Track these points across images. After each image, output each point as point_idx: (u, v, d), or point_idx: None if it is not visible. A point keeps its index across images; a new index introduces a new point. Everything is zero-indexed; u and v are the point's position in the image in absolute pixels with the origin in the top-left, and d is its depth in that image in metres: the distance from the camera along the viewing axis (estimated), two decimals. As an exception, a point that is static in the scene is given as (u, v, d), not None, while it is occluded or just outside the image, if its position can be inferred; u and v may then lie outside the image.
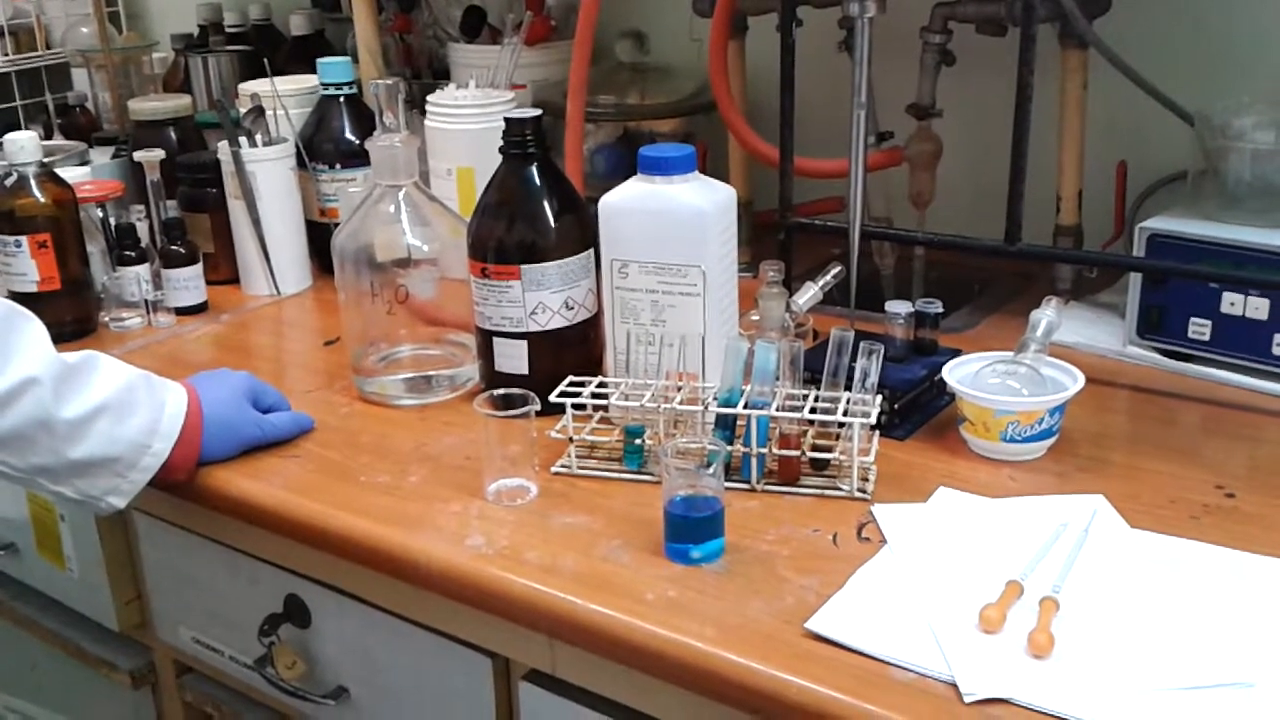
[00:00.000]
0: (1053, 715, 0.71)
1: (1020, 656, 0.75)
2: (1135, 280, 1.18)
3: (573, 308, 1.10)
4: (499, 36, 1.61)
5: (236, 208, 1.46)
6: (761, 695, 0.76)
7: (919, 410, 1.08)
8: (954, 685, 0.73)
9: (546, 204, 1.09)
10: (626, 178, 1.07)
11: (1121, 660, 0.75)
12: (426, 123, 1.41)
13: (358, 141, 1.48)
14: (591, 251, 1.10)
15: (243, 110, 1.48)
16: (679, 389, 1.00)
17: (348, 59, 1.53)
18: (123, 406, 0.98)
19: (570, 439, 1.02)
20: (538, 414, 0.98)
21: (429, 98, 1.42)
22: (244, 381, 1.10)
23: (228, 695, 1.23)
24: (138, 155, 1.51)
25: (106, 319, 1.42)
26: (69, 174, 1.45)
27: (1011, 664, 0.75)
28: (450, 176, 1.40)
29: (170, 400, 1.02)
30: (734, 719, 0.80)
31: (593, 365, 1.12)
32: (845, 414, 0.95)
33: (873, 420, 0.95)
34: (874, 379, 0.96)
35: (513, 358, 1.11)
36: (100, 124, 2.00)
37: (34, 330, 0.97)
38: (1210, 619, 0.79)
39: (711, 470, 0.88)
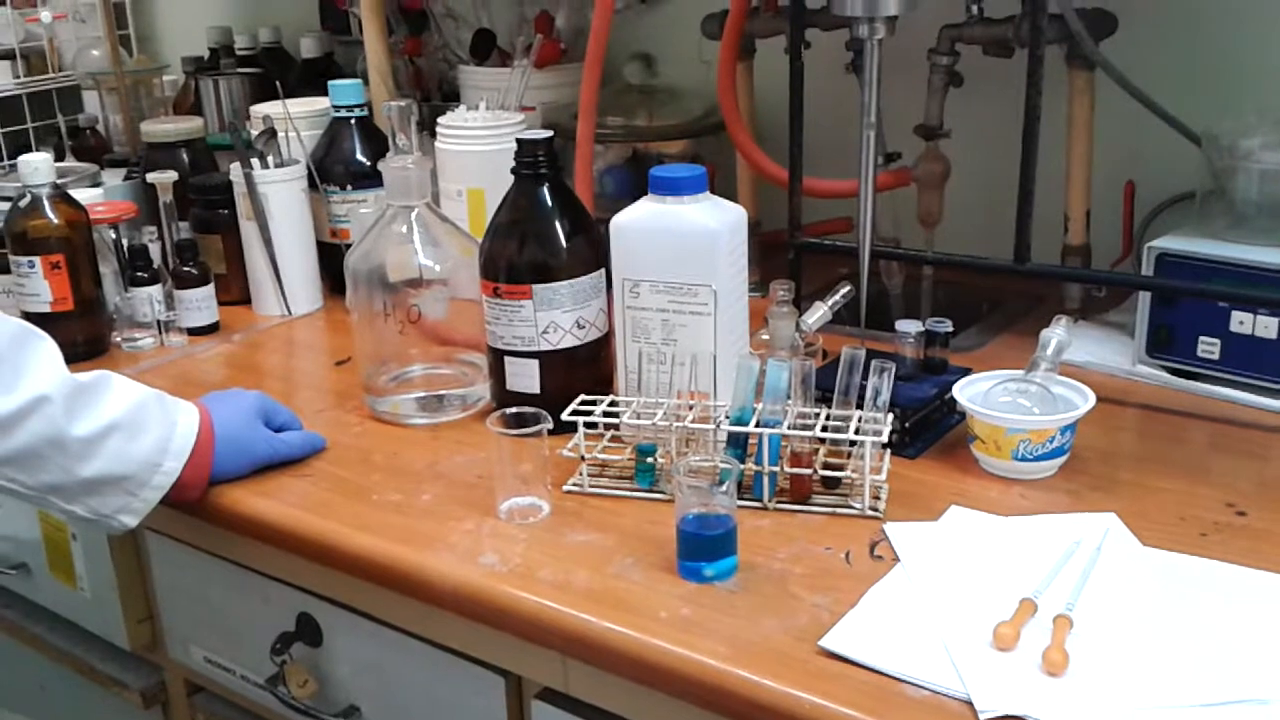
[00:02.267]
0: (1068, 732, 0.71)
1: (1035, 674, 0.75)
2: (1144, 299, 1.19)
3: (584, 327, 1.11)
4: (508, 59, 1.62)
5: (248, 229, 1.47)
6: (775, 713, 0.76)
7: (930, 429, 1.08)
8: (969, 703, 0.73)
9: (558, 224, 1.09)
10: (635, 199, 1.08)
11: (1136, 677, 0.75)
12: (437, 144, 1.42)
13: (369, 163, 1.49)
14: (603, 271, 1.11)
15: (255, 132, 1.49)
16: (690, 408, 1.00)
17: (359, 81, 1.54)
18: (134, 425, 0.99)
19: (582, 457, 1.02)
20: (550, 433, 0.98)
21: (439, 120, 1.43)
22: (256, 400, 1.10)
23: (239, 714, 1.23)
24: (151, 177, 1.52)
25: (119, 339, 1.42)
26: (81, 195, 1.46)
27: (1026, 681, 0.75)
28: (460, 198, 1.41)
29: (182, 419, 1.02)
30: (748, 737, 0.80)
31: (604, 384, 1.12)
32: (857, 432, 0.96)
33: (884, 439, 0.95)
34: (885, 397, 0.97)
35: (524, 377, 1.11)
36: (111, 146, 2.01)
37: (46, 349, 0.97)
38: (1224, 636, 0.79)
39: (724, 488, 0.88)
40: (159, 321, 1.42)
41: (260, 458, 1.07)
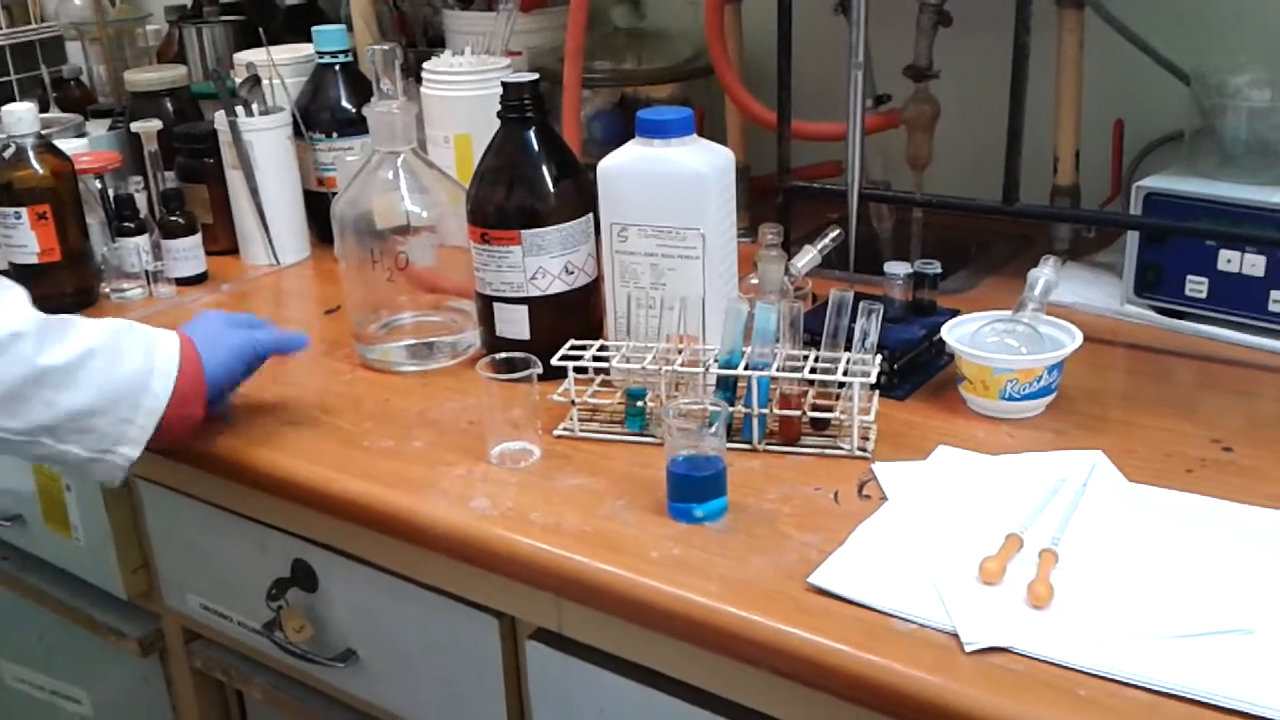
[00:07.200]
0: (1052, 663, 0.72)
1: (1020, 607, 0.76)
2: (1132, 239, 1.19)
3: (573, 272, 1.11)
4: (494, 3, 1.60)
5: (234, 178, 1.47)
6: (766, 648, 0.78)
7: (918, 370, 1.09)
8: (955, 635, 0.74)
9: (545, 169, 1.09)
10: (623, 143, 1.07)
11: (1120, 609, 0.76)
12: (423, 90, 1.41)
13: (354, 110, 1.48)
14: (591, 216, 1.11)
15: (239, 80, 1.48)
16: (680, 351, 1.01)
17: (343, 27, 1.53)
18: (112, 350, 0.97)
19: (572, 402, 1.02)
20: (539, 378, 0.98)
21: (425, 65, 1.42)
22: (225, 314, 1.10)
23: (236, 660, 1.25)
24: (135, 126, 1.51)
25: (107, 290, 1.42)
26: (66, 146, 1.45)
27: (1011, 614, 0.76)
28: (447, 144, 1.40)
29: (160, 338, 1.00)
30: (739, 672, 0.81)
31: (593, 329, 1.13)
32: (845, 374, 0.96)
33: (872, 380, 0.96)
34: (873, 339, 0.97)
35: (513, 323, 1.11)
36: (95, 96, 1.99)
37: (14, 292, 0.95)
38: (1208, 569, 0.80)
39: (713, 430, 0.89)
40: (147, 272, 1.42)
41: (237, 347, 1.05)
